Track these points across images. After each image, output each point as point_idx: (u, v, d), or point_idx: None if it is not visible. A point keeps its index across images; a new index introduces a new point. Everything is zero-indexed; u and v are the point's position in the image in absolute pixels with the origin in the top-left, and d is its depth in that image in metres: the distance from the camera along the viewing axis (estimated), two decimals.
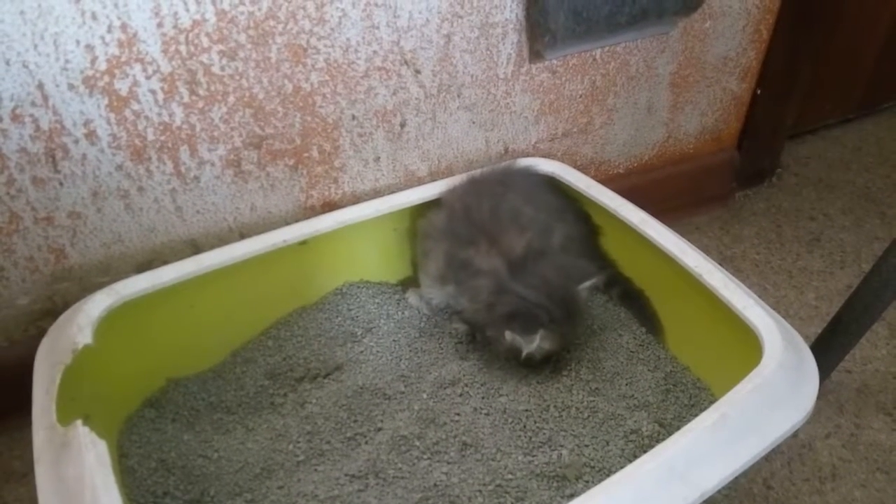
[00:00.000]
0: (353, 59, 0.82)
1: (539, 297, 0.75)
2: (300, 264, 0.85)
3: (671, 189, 1.20)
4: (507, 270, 0.77)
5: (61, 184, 0.75)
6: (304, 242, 0.83)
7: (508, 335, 0.75)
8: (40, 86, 0.69)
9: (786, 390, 0.62)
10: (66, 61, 0.68)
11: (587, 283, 0.78)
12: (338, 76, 0.82)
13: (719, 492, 0.66)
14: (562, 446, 0.72)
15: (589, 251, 0.91)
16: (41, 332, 0.69)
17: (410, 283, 0.94)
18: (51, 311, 0.82)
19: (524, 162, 0.93)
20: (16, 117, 0.69)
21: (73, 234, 0.79)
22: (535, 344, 0.75)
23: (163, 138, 0.77)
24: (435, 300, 0.88)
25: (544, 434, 0.73)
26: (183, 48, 0.73)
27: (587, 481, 0.68)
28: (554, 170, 0.93)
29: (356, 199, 0.93)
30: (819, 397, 0.63)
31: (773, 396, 0.61)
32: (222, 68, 0.75)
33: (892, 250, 0.75)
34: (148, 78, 0.73)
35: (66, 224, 0.78)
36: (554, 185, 0.92)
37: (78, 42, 0.68)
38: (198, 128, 0.78)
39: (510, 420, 0.75)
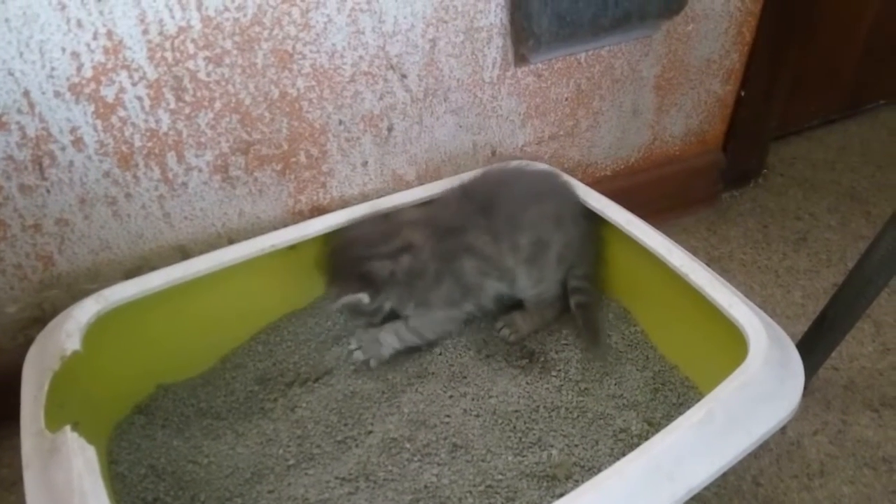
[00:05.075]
0: (339, 65, 0.82)
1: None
2: (289, 269, 0.85)
3: (658, 191, 1.21)
4: None
5: (48, 191, 0.75)
6: (293, 247, 0.83)
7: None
8: (26, 93, 0.69)
9: (771, 386, 0.62)
10: (52, 68, 0.69)
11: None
12: (324, 81, 0.83)
13: (709, 489, 0.67)
14: (551, 446, 0.72)
15: (586, 253, 0.89)
16: (29, 341, 0.69)
17: None
18: (39, 318, 0.82)
19: (515, 163, 0.93)
20: (2, 125, 0.69)
21: (60, 241, 0.79)
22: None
23: (150, 144, 0.77)
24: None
25: (534, 434, 0.74)
26: (169, 55, 0.73)
27: (577, 480, 0.68)
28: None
29: (344, 204, 0.93)
30: (806, 395, 0.63)
31: (758, 392, 0.61)
32: (208, 74, 0.76)
33: (875, 248, 0.76)
34: (134, 84, 0.73)
35: (53, 231, 0.78)
36: (553, 184, 0.90)
37: (64, 49, 0.68)
38: (185, 134, 0.78)
39: (500, 421, 0.75)
